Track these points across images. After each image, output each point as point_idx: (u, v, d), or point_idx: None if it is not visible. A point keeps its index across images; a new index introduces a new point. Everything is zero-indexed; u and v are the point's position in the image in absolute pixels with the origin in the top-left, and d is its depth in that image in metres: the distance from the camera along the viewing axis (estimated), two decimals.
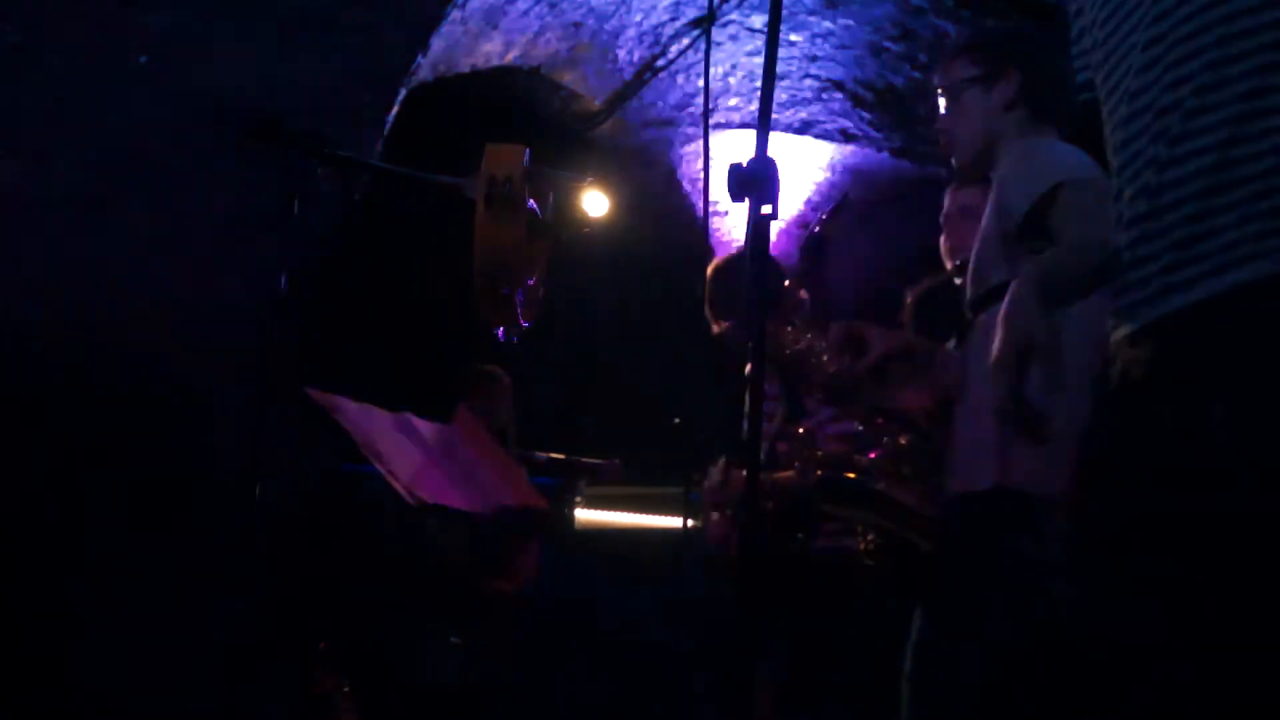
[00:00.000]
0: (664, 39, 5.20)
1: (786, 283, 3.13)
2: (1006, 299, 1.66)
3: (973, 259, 2.14)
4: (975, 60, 2.26)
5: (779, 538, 3.08)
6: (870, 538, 2.70)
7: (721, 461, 3.30)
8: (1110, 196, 1.82)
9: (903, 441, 2.49)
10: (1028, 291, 1.65)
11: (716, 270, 3.62)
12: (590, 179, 5.58)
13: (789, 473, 2.98)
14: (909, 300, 2.82)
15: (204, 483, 3.41)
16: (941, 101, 2.31)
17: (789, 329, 2.87)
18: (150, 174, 3.60)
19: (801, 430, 2.97)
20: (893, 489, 2.48)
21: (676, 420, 3.21)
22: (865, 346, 2.36)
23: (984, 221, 2.11)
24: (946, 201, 2.87)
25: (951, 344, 2.53)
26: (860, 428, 2.64)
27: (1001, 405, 1.59)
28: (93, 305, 3.53)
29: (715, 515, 3.32)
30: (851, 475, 2.61)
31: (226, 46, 3.64)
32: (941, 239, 2.87)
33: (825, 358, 2.63)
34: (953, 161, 2.31)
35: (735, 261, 3.62)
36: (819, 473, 2.67)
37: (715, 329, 3.44)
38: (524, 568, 4.67)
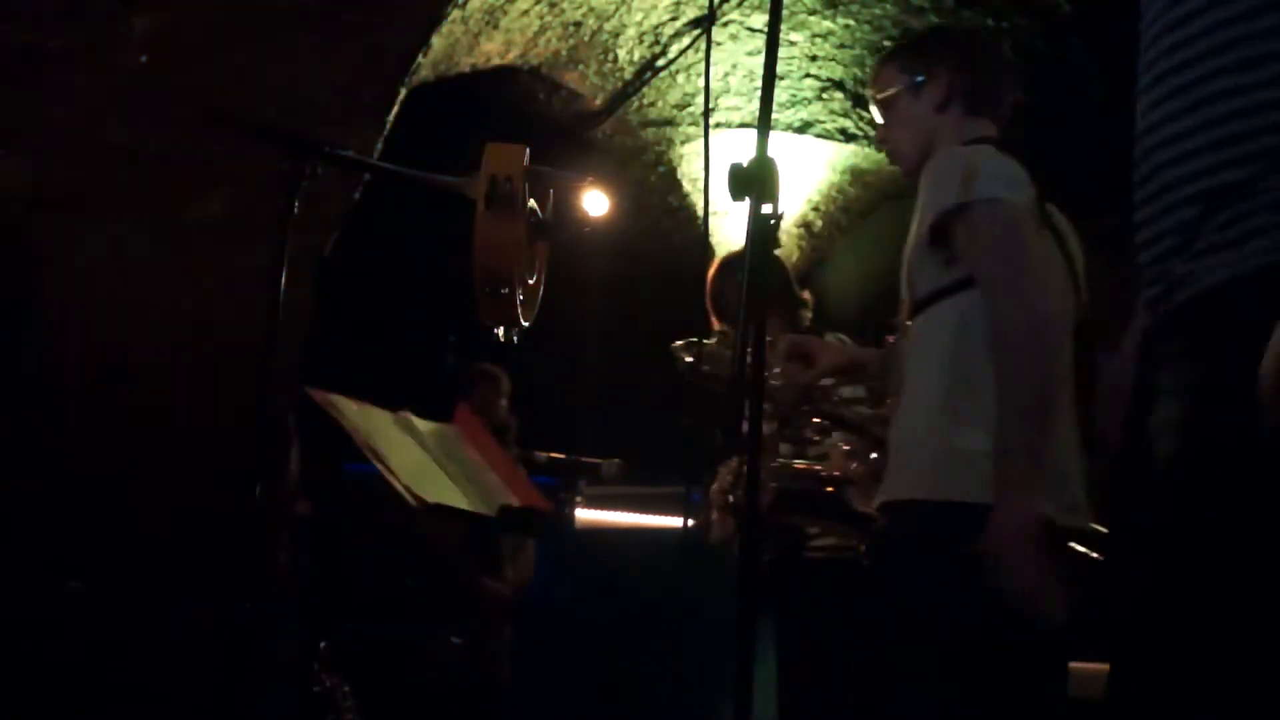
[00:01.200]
0: (664, 39, 5.20)
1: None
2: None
3: (905, 264, 2.13)
4: (902, 67, 2.25)
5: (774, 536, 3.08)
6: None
7: (734, 461, 3.30)
8: (1026, 215, 1.85)
9: (846, 447, 2.50)
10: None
11: (722, 267, 3.58)
12: (590, 179, 5.58)
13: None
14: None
15: (204, 482, 3.40)
16: (877, 114, 2.30)
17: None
18: (150, 174, 3.60)
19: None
20: (846, 495, 2.49)
21: (684, 421, 3.20)
22: (812, 359, 2.39)
23: (912, 227, 2.10)
24: None
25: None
26: (815, 438, 2.65)
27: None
28: (92, 305, 3.53)
29: (717, 515, 3.32)
30: (822, 483, 2.62)
31: (226, 46, 3.64)
32: None
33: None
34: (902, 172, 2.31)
35: (740, 259, 3.59)
36: (772, 485, 2.68)
37: (716, 327, 3.43)
38: (523, 568, 4.68)
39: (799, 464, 2.74)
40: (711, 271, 3.57)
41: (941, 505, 1.91)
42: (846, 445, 2.50)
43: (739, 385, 1.44)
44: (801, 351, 2.42)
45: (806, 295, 3.44)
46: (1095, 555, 1.89)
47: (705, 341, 2.85)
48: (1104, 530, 1.95)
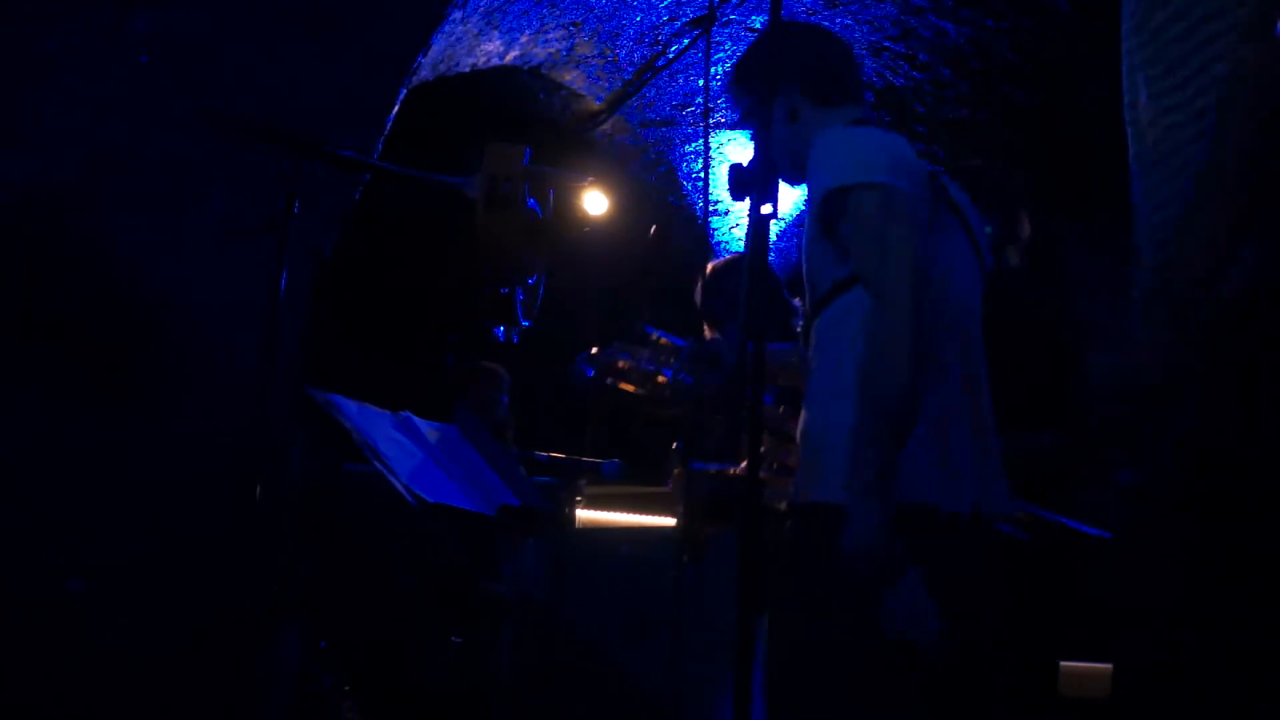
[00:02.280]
0: (664, 38, 5.21)
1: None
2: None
3: (804, 260, 2.10)
4: (744, 91, 2.21)
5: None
6: None
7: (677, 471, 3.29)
8: (906, 200, 1.82)
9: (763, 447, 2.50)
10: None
11: (714, 273, 3.56)
12: (590, 179, 5.58)
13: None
14: None
15: (204, 482, 3.41)
16: (750, 144, 2.21)
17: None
18: (150, 174, 3.60)
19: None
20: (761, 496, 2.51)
21: (676, 445, 3.19)
22: (718, 360, 2.38)
23: (806, 222, 2.07)
24: None
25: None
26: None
27: None
28: (92, 305, 3.53)
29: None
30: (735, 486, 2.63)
31: (226, 46, 3.64)
32: None
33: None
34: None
35: (734, 264, 3.56)
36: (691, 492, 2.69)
37: (707, 334, 3.41)
38: (523, 568, 4.68)
39: (711, 470, 2.75)
40: (704, 277, 3.54)
41: (836, 506, 1.87)
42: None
43: (737, 384, 1.44)
44: (710, 354, 2.41)
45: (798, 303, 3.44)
46: (1021, 537, 1.89)
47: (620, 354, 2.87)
48: (1032, 513, 1.95)
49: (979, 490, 1.90)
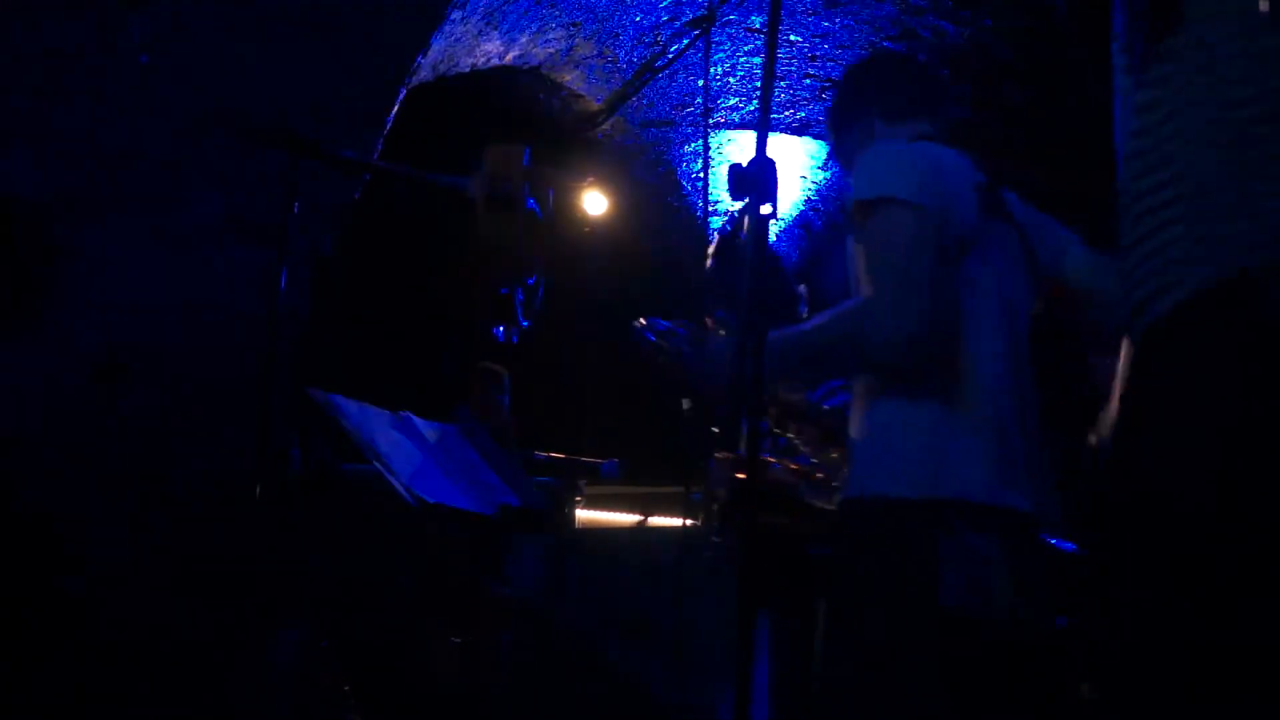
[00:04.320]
0: (664, 39, 5.21)
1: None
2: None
3: (848, 268, 2.14)
4: (828, 129, 2.32)
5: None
6: None
7: (723, 456, 3.31)
8: (922, 219, 1.86)
9: (803, 444, 2.51)
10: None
11: (714, 254, 3.56)
12: (590, 179, 5.59)
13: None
14: None
15: (204, 482, 3.41)
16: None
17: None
18: (150, 174, 3.60)
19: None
20: (801, 490, 2.51)
21: (686, 404, 3.19)
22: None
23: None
24: None
25: None
26: (777, 431, 2.66)
27: None
28: (92, 305, 3.54)
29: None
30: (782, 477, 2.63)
31: (227, 47, 3.65)
32: None
33: None
34: None
35: (730, 241, 3.57)
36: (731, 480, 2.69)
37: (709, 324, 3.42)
38: (523, 568, 4.68)
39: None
40: (708, 255, 3.55)
41: (901, 501, 1.91)
42: (806, 440, 2.51)
43: (738, 382, 1.44)
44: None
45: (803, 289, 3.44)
46: (1070, 549, 1.90)
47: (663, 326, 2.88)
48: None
49: (1037, 493, 1.93)
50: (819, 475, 2.54)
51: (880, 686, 1.86)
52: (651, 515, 5.65)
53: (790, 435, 2.57)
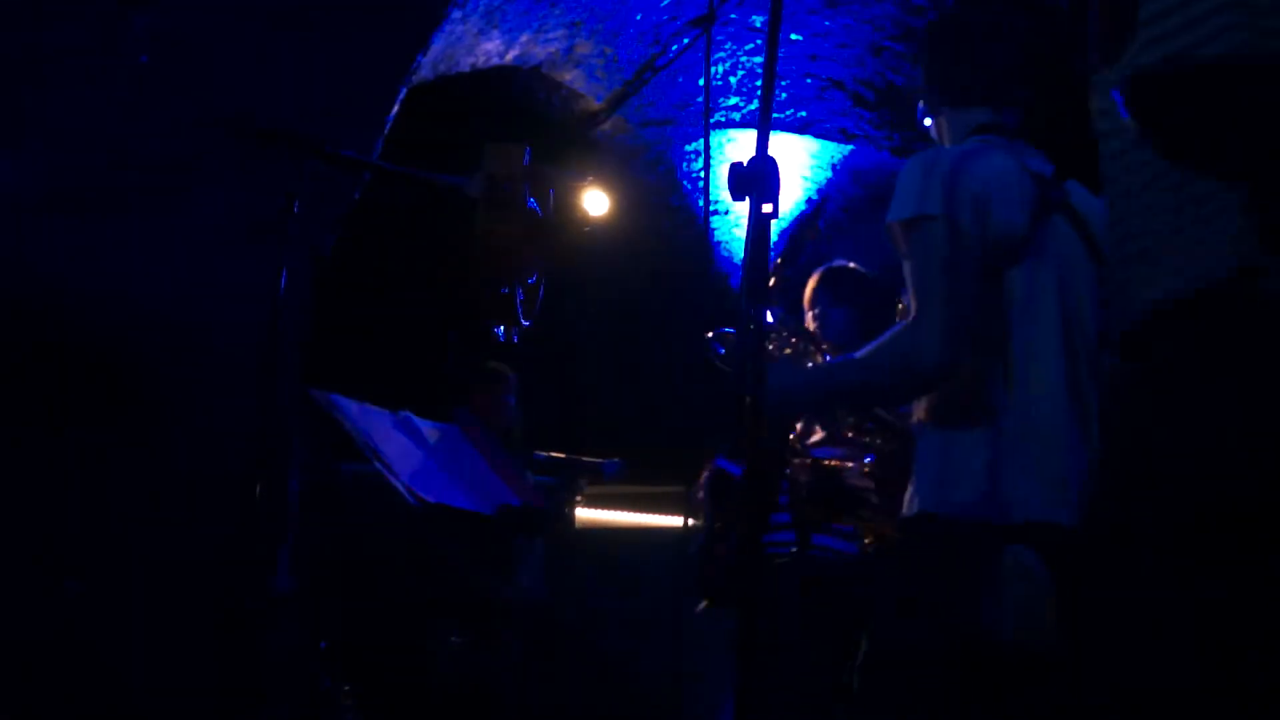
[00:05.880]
0: (664, 38, 5.20)
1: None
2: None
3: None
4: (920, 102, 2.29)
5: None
6: (868, 540, 2.71)
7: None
8: (956, 234, 1.84)
9: (881, 443, 2.50)
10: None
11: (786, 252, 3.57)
12: (590, 179, 5.58)
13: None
14: None
15: (204, 482, 3.41)
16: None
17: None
18: (150, 174, 3.60)
19: (791, 436, 2.99)
20: (865, 497, 2.50)
21: (711, 355, 3.18)
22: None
23: None
24: None
25: None
26: (850, 435, 2.65)
27: None
28: (93, 305, 3.53)
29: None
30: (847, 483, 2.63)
31: (226, 46, 3.64)
32: None
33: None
34: None
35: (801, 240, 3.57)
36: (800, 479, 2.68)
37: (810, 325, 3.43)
38: (523, 568, 4.68)
39: (829, 462, 2.75)
40: (811, 284, 3.56)
41: (939, 519, 1.90)
42: (876, 448, 2.51)
43: (741, 383, 1.44)
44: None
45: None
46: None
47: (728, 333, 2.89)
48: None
49: (1083, 506, 1.91)
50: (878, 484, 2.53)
51: (917, 701, 1.85)
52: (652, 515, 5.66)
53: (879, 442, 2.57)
